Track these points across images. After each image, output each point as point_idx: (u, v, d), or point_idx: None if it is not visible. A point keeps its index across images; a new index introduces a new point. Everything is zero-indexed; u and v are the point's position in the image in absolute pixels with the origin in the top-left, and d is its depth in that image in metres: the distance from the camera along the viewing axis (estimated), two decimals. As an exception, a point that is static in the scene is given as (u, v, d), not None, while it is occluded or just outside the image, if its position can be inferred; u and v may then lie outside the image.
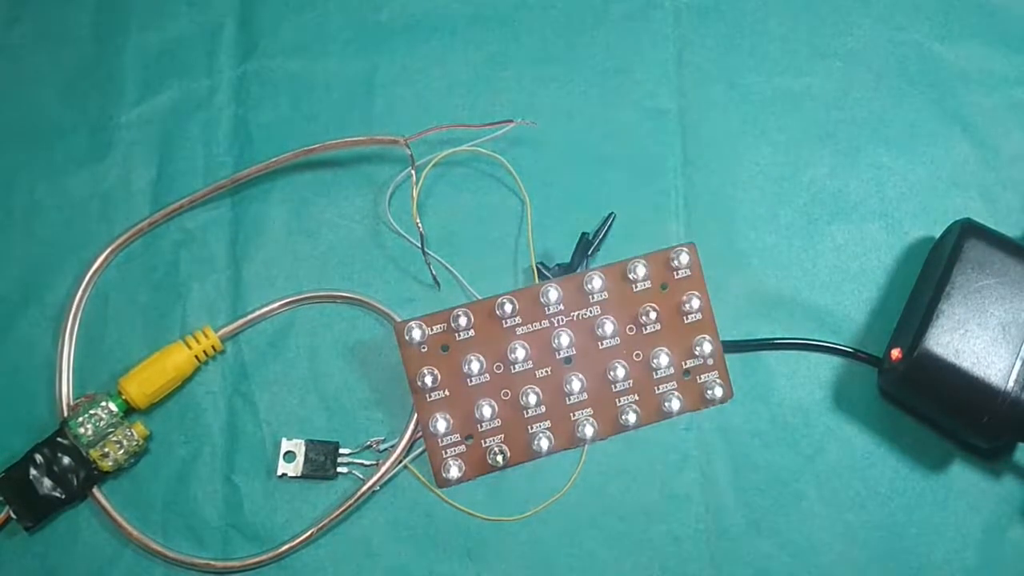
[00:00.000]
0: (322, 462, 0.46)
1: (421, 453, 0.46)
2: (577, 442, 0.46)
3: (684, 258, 0.46)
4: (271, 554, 0.46)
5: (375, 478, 0.46)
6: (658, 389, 0.46)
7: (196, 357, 0.47)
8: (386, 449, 0.47)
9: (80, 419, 0.45)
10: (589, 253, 0.48)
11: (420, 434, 0.46)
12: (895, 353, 0.45)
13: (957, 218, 0.47)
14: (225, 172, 0.49)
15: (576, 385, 0.45)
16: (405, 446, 0.46)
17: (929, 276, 0.46)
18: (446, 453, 0.45)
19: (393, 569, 0.46)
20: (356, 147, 0.49)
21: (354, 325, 0.48)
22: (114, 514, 0.46)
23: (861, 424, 0.47)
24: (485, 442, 0.45)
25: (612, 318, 0.45)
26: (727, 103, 0.50)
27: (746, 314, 0.48)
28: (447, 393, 0.45)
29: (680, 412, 0.46)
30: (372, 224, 0.49)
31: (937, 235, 0.48)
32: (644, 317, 0.45)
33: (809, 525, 0.47)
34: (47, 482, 0.45)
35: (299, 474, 0.46)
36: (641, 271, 0.45)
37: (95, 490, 0.46)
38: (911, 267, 0.48)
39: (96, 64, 0.50)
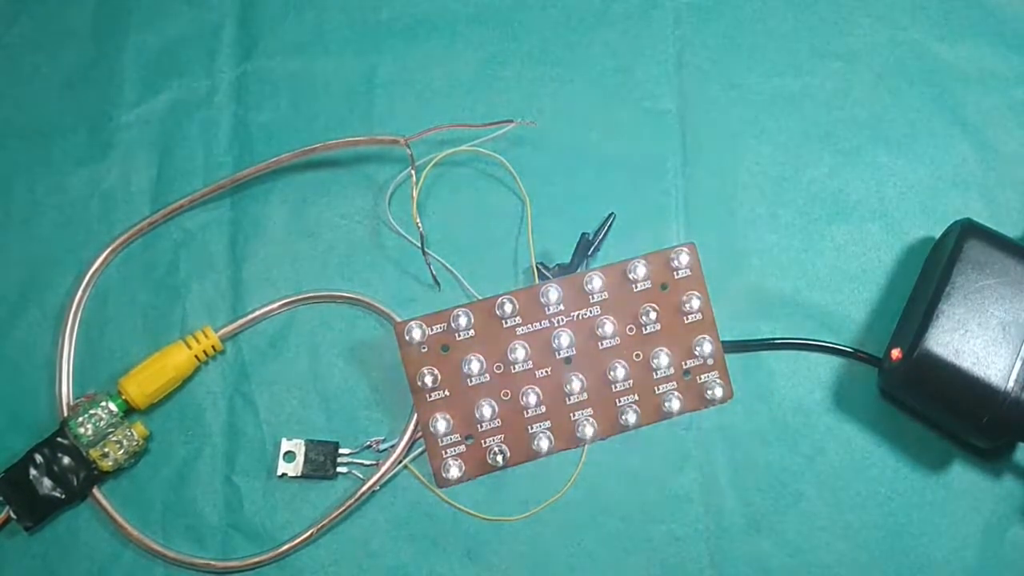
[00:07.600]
0: (322, 462, 0.46)
1: (421, 453, 0.46)
2: (577, 442, 0.46)
3: (684, 258, 0.46)
4: (271, 554, 0.46)
5: (375, 478, 0.46)
6: (658, 389, 0.46)
7: (196, 357, 0.47)
8: (386, 449, 0.47)
9: (80, 419, 0.45)
10: (589, 253, 0.48)
11: (420, 434, 0.46)
12: (895, 353, 0.45)
13: (957, 218, 0.47)
14: (225, 172, 0.49)
15: (576, 385, 0.45)
16: (405, 446, 0.46)
17: (929, 276, 0.46)
18: (446, 453, 0.45)
19: (393, 569, 0.46)
20: (356, 147, 0.49)
21: (354, 325, 0.48)
22: (114, 514, 0.46)
23: (861, 424, 0.47)
24: (485, 442, 0.45)
25: (612, 318, 0.45)
26: (727, 103, 0.50)
27: (746, 314, 0.48)
28: (447, 393, 0.45)
29: (680, 412, 0.46)
30: (372, 224, 0.49)
31: (937, 235, 0.48)
32: (644, 317, 0.45)
33: (809, 525, 0.47)
34: (47, 482, 0.45)
35: (299, 474, 0.46)
36: (641, 271, 0.45)
37: (95, 490, 0.46)
38: (911, 267, 0.48)
39: (96, 64, 0.50)
